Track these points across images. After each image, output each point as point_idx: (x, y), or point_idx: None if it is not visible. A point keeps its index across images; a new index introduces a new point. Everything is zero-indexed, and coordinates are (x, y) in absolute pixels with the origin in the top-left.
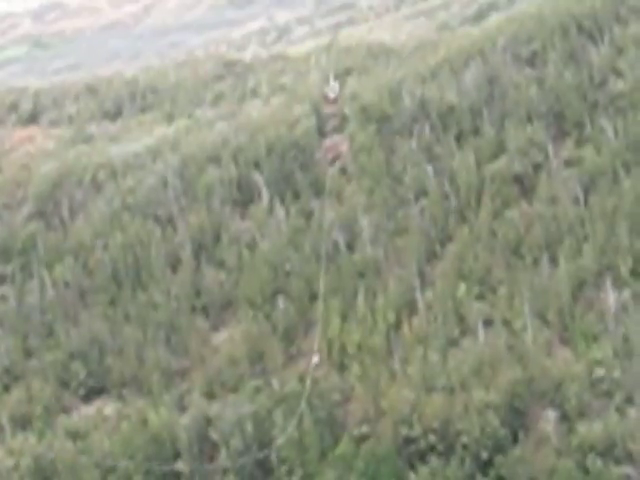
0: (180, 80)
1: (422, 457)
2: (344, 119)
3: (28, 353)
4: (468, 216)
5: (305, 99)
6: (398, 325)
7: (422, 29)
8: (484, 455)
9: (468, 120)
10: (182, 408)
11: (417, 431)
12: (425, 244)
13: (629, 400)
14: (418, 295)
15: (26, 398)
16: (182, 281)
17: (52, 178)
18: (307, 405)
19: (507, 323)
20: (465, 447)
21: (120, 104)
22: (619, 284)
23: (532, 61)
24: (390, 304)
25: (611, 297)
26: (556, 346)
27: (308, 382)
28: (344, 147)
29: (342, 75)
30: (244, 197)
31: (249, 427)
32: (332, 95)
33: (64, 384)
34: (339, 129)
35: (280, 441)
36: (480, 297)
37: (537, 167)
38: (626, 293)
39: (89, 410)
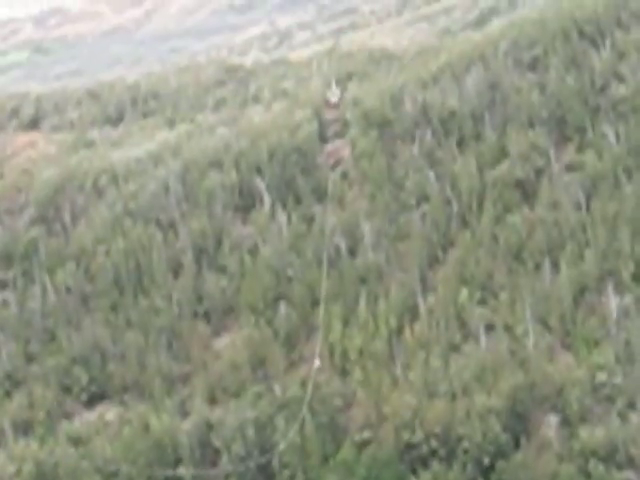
0: (182, 85)
1: (424, 462)
2: (345, 124)
3: (30, 358)
4: (470, 221)
5: (307, 104)
6: (400, 330)
7: (424, 34)
8: (486, 460)
9: (470, 125)
10: (184, 413)
11: (419, 436)
12: (427, 249)
13: (631, 405)
14: (420, 300)
15: (28, 403)
16: (184, 286)
17: (54, 183)
18: (309, 410)
19: (509, 328)
20: (467, 452)
21: (122, 109)
22: (621, 289)
23: (534, 66)
24: (392, 309)
25: (613, 302)
26: (558, 351)
27: (310, 387)
28: (346, 152)
29: (344, 80)
30: (246, 202)
31: (251, 432)
32: (334, 100)
33: (66, 389)
34: (341, 134)
35: (282, 446)
36: (482, 302)
37: (539, 172)
38: (628, 298)
39: (91, 415)
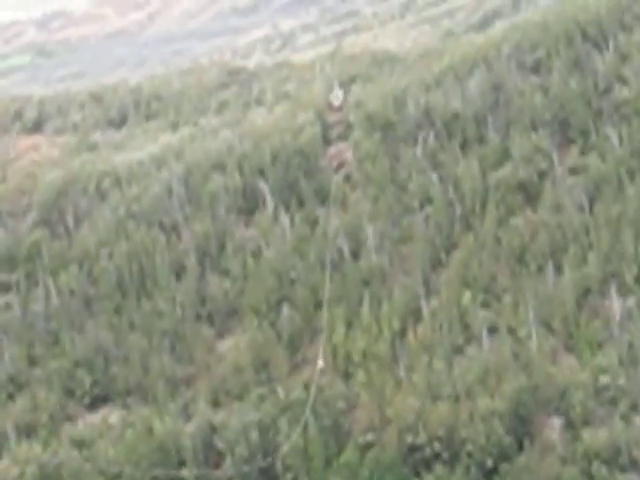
0: (185, 88)
1: (427, 465)
2: (349, 127)
3: (33, 361)
4: (473, 224)
5: (310, 107)
6: (403, 333)
7: (427, 37)
8: (489, 463)
9: (473, 128)
10: (187, 416)
11: (422, 439)
12: (430, 252)
13: (634, 408)
14: (423, 303)
15: (31, 406)
16: (187, 289)
17: (57, 186)
18: (312, 413)
19: (512, 331)
20: (470, 455)
21: (125, 112)
22: (624, 291)
23: (537, 69)
24: (395, 312)
25: (616, 304)
26: (561, 354)
27: (313, 390)
28: (349, 155)
29: (347, 83)
30: (249, 205)
31: (254, 435)
32: (337, 103)
33: (69, 392)
34: (344, 137)
35: (285, 449)
36: (485, 305)
37: (542, 175)
38: (631, 300)
39: (94, 418)
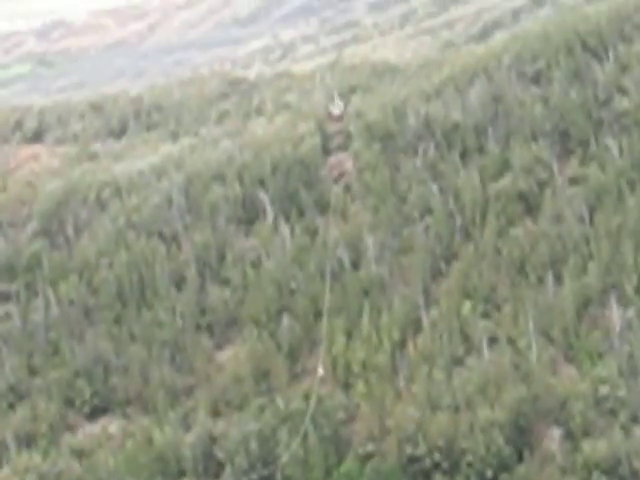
0: (185, 98)
1: (427, 475)
2: (349, 137)
3: (33, 371)
4: (473, 234)
5: (310, 117)
6: (403, 343)
7: (426, 47)
8: (489, 473)
9: (473, 138)
10: (187, 426)
11: (422, 449)
12: (430, 262)
13: (634, 418)
14: (423, 313)
15: (31, 416)
16: (187, 299)
17: (57, 196)
18: (312, 423)
19: (512, 341)
20: (470, 465)
21: (125, 122)
22: (624, 302)
23: (537, 79)
24: (395, 322)
25: (616, 315)
26: (561, 364)
27: (313, 400)
28: (349, 165)
29: (347, 93)
30: (249, 215)
31: (254, 445)
32: (337, 113)
33: (69, 402)
34: (344, 147)
35: (285, 459)
36: (485, 315)
37: (542, 185)
38: (631, 311)
39: (94, 428)
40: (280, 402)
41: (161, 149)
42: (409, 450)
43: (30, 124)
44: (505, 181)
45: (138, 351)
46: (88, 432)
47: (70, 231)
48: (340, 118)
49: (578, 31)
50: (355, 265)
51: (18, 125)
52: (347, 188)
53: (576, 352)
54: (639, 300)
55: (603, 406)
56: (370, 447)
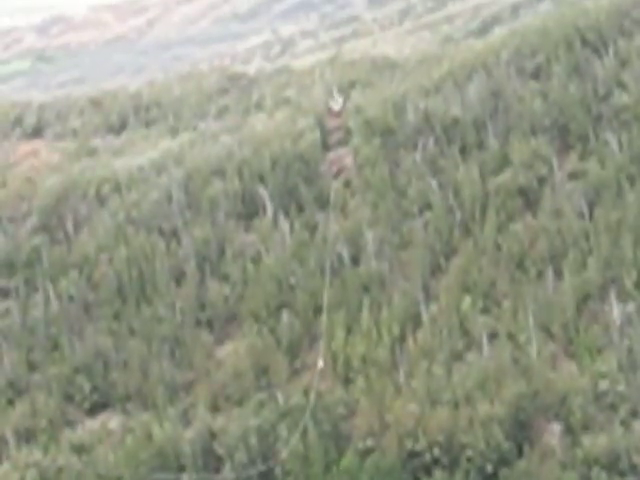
0: (184, 94)
1: (427, 470)
2: (348, 132)
3: (32, 367)
4: (472, 229)
5: (309, 112)
6: (403, 338)
7: (426, 42)
8: (489, 468)
9: (472, 133)
10: (187, 422)
11: (422, 444)
12: (429, 258)
13: (634, 413)
14: (422, 309)
15: (30, 412)
16: (186, 295)
17: (56, 192)
18: (312, 418)
19: (512, 336)
20: (470, 460)
21: (124, 118)
22: (624, 297)
23: (536, 74)
24: (395, 317)
25: (616, 310)
26: (561, 359)
27: (312, 395)
28: (348, 160)
29: (346, 88)
30: (248, 210)
31: (254, 440)
32: (336, 108)
33: (68, 398)
34: (343, 142)
35: (284, 454)
36: (485, 310)
37: (541, 180)
38: (631, 306)
39: (94, 424)
40: (280, 397)
41: (160, 144)
42: (409, 445)
43: (29, 120)
44: (505, 176)
45: (138, 346)
46: (88, 427)
47: (70, 226)
48: (339, 113)
49: (577, 26)
50: (355, 260)
51: (17, 121)
52: (347, 183)
53: (576, 347)
54: (639, 295)
55: (603, 401)
56: (370, 442)
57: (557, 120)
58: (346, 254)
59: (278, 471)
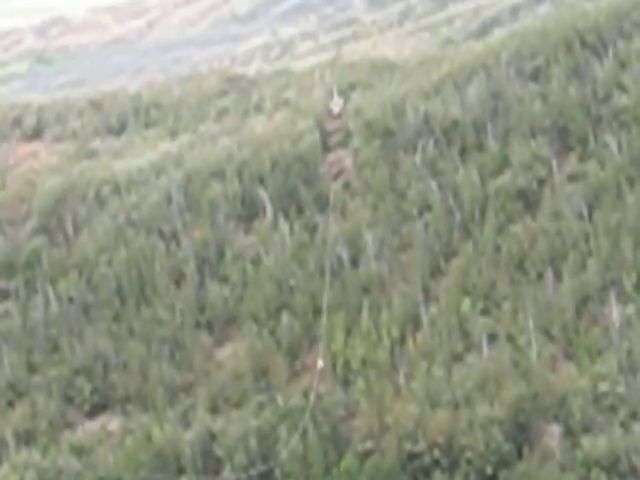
0: (184, 95)
1: (426, 472)
2: (348, 134)
3: (32, 369)
4: (472, 231)
5: (309, 114)
6: (402, 340)
7: (425, 44)
8: (489, 470)
9: (472, 135)
10: (186, 423)
11: (421, 446)
12: (429, 259)
13: (633, 415)
14: (422, 310)
15: (30, 413)
16: (186, 296)
17: (56, 193)
18: (311, 420)
19: (511, 338)
20: (469, 462)
21: (124, 119)
22: (623, 299)
23: (536, 76)
24: (394, 319)
25: (615, 312)
26: (560, 361)
27: (312, 397)
28: (348, 162)
29: (346, 90)
30: (248, 212)
31: (253, 442)
32: (336, 110)
33: (68, 400)
34: (343, 144)
35: (284, 456)
36: (484, 312)
37: (541, 182)
38: (630, 308)
39: (93, 425)
40: (279, 399)
41: (160, 146)
42: (408, 447)
43: (29, 121)
44: (504, 178)
45: (137, 348)
46: (88, 429)
47: (69, 228)
48: (339, 115)
49: (577, 28)
50: (354, 262)
51: (17, 122)
52: (346, 185)
53: (575, 349)
54: (638, 297)
55: (602, 403)
56: (369, 444)
57: (557, 122)
58: (346, 256)
59: (278, 472)
